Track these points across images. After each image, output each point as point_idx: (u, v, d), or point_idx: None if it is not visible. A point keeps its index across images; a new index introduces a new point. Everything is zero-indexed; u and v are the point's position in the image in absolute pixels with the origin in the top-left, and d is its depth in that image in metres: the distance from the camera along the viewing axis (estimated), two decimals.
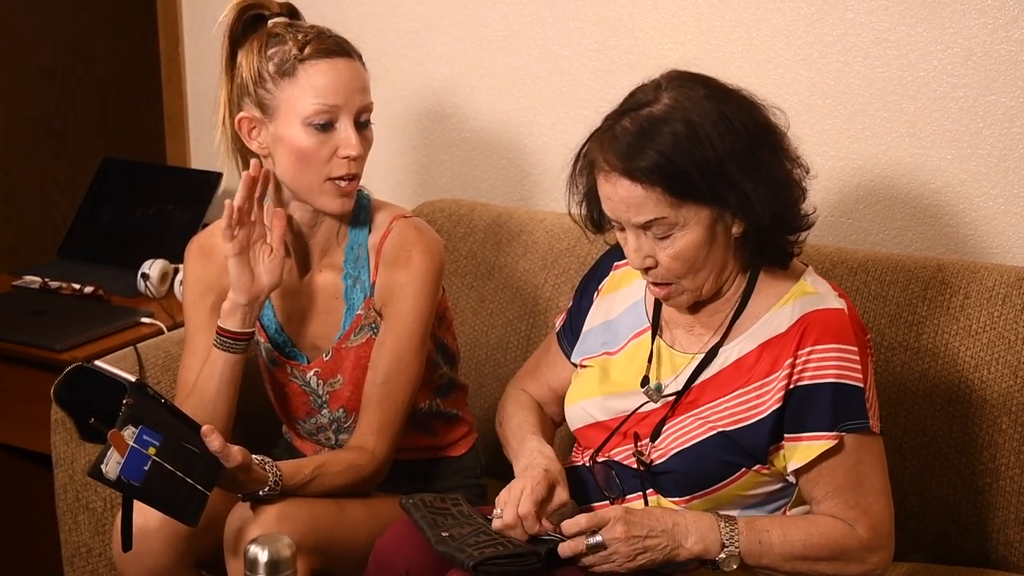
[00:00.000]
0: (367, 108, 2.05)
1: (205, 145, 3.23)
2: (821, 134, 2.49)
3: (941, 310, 2.22)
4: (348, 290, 2.13)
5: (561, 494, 1.84)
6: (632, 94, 1.84)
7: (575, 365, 2.05)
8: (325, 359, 2.15)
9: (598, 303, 2.05)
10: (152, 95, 3.46)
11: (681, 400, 1.87)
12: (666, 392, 1.89)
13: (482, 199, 2.84)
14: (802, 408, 1.80)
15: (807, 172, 1.87)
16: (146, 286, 2.84)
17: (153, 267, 2.85)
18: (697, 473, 1.83)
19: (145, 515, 1.91)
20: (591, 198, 1.91)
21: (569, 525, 1.77)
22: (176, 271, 2.84)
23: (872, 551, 1.81)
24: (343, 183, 2.03)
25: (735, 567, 1.78)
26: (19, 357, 2.68)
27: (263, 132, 2.05)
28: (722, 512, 1.82)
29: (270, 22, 2.07)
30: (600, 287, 2.06)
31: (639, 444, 1.88)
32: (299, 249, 2.14)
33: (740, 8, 2.53)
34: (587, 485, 1.94)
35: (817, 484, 1.82)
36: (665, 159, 1.74)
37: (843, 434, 1.79)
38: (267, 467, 1.92)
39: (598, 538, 1.75)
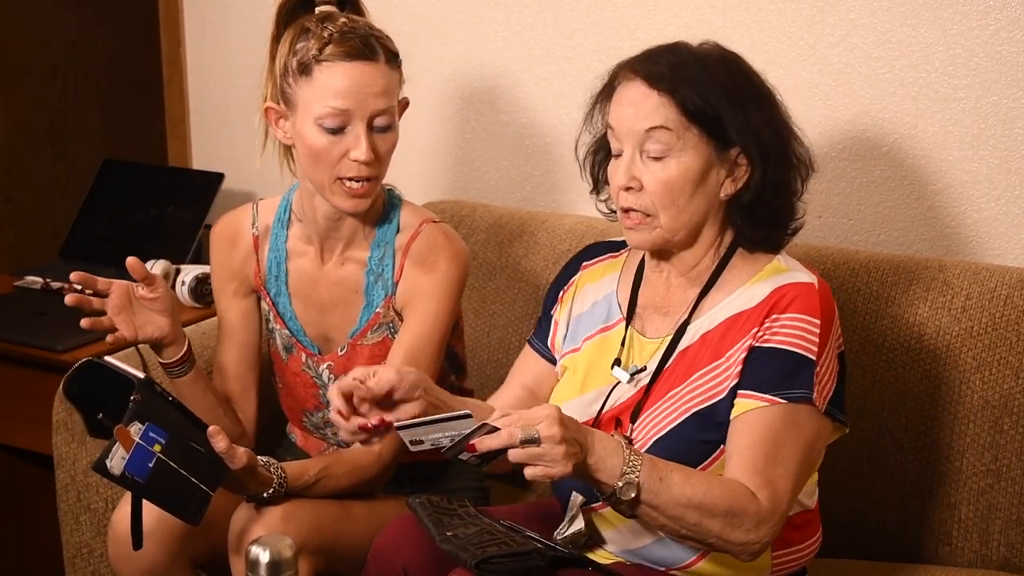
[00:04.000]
0: (383, 112, 2.03)
1: (206, 146, 3.23)
2: (823, 134, 2.48)
3: (943, 311, 2.22)
4: (369, 286, 2.13)
5: (408, 408, 1.78)
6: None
7: (558, 365, 2.03)
8: (340, 354, 2.16)
9: (566, 301, 2.04)
10: (153, 96, 3.46)
11: (655, 382, 1.87)
12: (638, 372, 1.88)
13: (484, 200, 2.84)
14: (752, 367, 1.79)
15: (810, 169, 1.91)
16: None
17: (155, 268, 2.84)
18: (678, 457, 1.78)
19: (141, 515, 1.91)
20: (599, 147, 1.95)
21: (498, 418, 1.66)
22: (178, 271, 2.83)
23: (763, 522, 1.73)
24: (355, 184, 2.03)
25: (633, 495, 1.69)
26: (20, 358, 2.68)
27: (286, 124, 2.08)
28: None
29: (318, 9, 2.06)
30: (569, 285, 2.05)
31: (619, 429, 1.87)
32: (323, 238, 2.15)
33: (742, 9, 2.53)
34: (566, 487, 1.92)
35: (735, 436, 1.78)
36: (690, 71, 1.80)
37: (780, 401, 1.77)
38: (272, 469, 1.93)
39: (534, 432, 1.62)
